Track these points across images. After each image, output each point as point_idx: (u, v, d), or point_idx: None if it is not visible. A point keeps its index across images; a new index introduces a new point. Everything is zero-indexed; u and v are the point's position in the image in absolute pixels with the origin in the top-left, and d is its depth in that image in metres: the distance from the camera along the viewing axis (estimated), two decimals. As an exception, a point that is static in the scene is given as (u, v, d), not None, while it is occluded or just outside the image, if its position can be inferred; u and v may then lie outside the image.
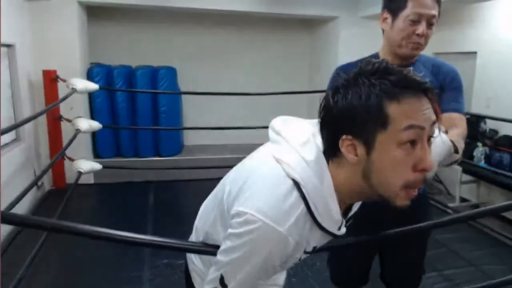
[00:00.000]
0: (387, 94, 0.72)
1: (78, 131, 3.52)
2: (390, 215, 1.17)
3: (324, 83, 1.45)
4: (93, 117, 4.34)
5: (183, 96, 5.02)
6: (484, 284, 1.59)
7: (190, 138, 5.38)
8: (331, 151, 0.79)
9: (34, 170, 3.80)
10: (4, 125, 2.75)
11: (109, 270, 2.68)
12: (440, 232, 3.16)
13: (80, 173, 3.62)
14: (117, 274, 2.63)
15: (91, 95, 4.37)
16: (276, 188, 0.77)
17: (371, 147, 0.73)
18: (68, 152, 3.64)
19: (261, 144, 0.92)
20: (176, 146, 4.99)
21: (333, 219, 0.81)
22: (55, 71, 3.91)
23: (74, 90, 3.44)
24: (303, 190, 0.77)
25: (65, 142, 3.80)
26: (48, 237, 2.53)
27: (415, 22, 1.29)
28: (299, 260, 0.88)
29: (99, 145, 4.63)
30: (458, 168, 3.89)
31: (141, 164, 4.59)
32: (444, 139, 1.11)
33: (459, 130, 1.30)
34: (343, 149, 0.76)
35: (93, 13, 4.70)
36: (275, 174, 0.79)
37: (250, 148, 0.95)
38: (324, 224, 0.80)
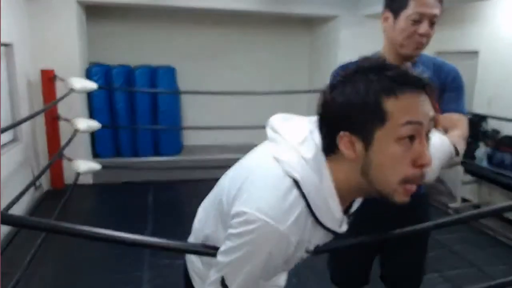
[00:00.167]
0: (385, 90, 0.71)
1: (76, 131, 3.51)
2: (390, 215, 1.17)
3: (324, 82, 1.43)
4: (92, 116, 4.32)
5: (182, 96, 5.01)
6: (485, 285, 1.58)
7: (190, 138, 5.37)
8: (329, 148, 0.79)
9: (32, 171, 3.78)
10: (2, 125, 2.74)
11: (109, 270, 2.67)
12: (441, 233, 3.15)
13: (78, 174, 3.61)
14: (117, 274, 2.63)
15: (89, 94, 4.36)
16: (276, 187, 0.77)
17: (369, 143, 0.73)
18: (66, 152, 3.62)
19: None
20: (175, 146, 4.97)
21: (334, 216, 0.81)
22: (53, 71, 3.90)
23: (72, 90, 3.43)
24: (303, 188, 0.76)
25: (63, 142, 3.78)
26: (47, 237, 2.51)
27: (417, 21, 1.27)
28: (301, 259, 0.87)
29: (98, 145, 4.62)
30: (460, 168, 3.87)
31: (141, 164, 4.58)
32: (444, 142, 1.10)
33: (460, 131, 1.30)
34: (341, 146, 0.75)
35: (92, 12, 4.69)
36: (274, 173, 0.79)
37: (250, 148, 0.94)
38: (324, 222, 0.80)
